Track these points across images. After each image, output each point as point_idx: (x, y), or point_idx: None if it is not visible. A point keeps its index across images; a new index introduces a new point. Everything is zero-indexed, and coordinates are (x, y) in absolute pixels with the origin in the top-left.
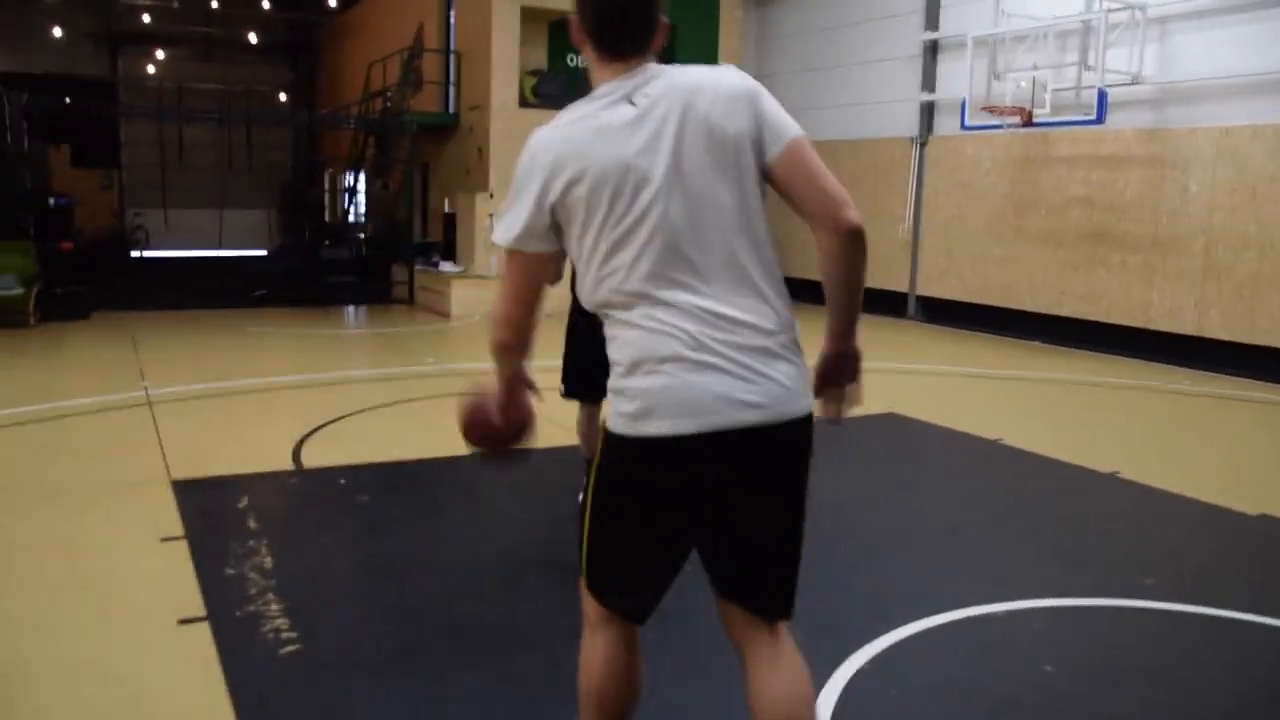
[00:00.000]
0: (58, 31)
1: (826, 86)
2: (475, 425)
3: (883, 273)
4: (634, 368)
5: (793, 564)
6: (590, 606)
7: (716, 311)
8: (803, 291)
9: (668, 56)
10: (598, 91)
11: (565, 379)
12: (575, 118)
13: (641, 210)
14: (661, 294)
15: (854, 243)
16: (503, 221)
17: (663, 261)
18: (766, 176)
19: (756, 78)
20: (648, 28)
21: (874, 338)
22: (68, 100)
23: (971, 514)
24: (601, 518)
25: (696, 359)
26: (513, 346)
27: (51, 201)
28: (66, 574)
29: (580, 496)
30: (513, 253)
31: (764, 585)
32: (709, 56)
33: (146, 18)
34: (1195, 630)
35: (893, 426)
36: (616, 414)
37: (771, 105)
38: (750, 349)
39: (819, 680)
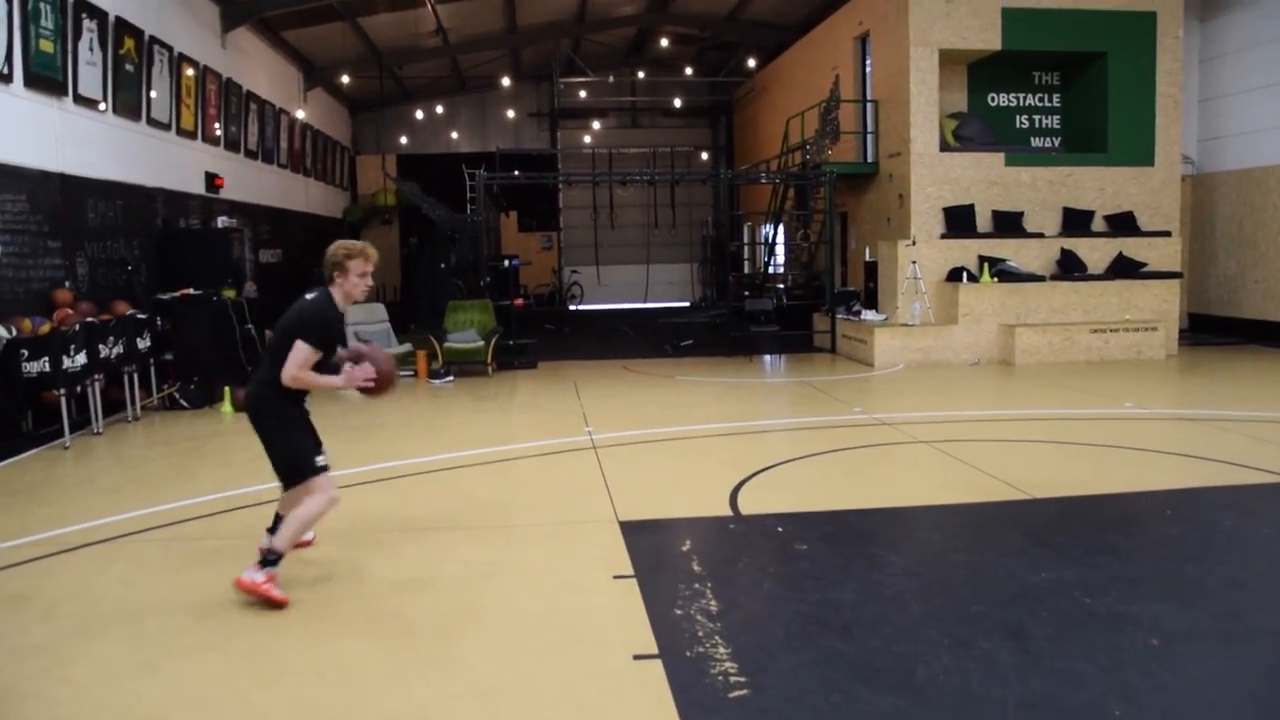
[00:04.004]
0: (509, 113)
1: None
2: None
3: None
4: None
5: None
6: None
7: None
8: (1255, 332)
9: (1098, 88)
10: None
11: (314, 456)
12: None
13: None
14: None
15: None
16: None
17: None
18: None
19: (1200, 101)
20: None
21: None
22: (517, 173)
23: None
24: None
25: None
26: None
27: (505, 263)
28: (534, 604)
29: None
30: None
31: None
32: (1145, 81)
33: (582, 94)
34: None
35: None
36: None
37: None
38: None
39: None
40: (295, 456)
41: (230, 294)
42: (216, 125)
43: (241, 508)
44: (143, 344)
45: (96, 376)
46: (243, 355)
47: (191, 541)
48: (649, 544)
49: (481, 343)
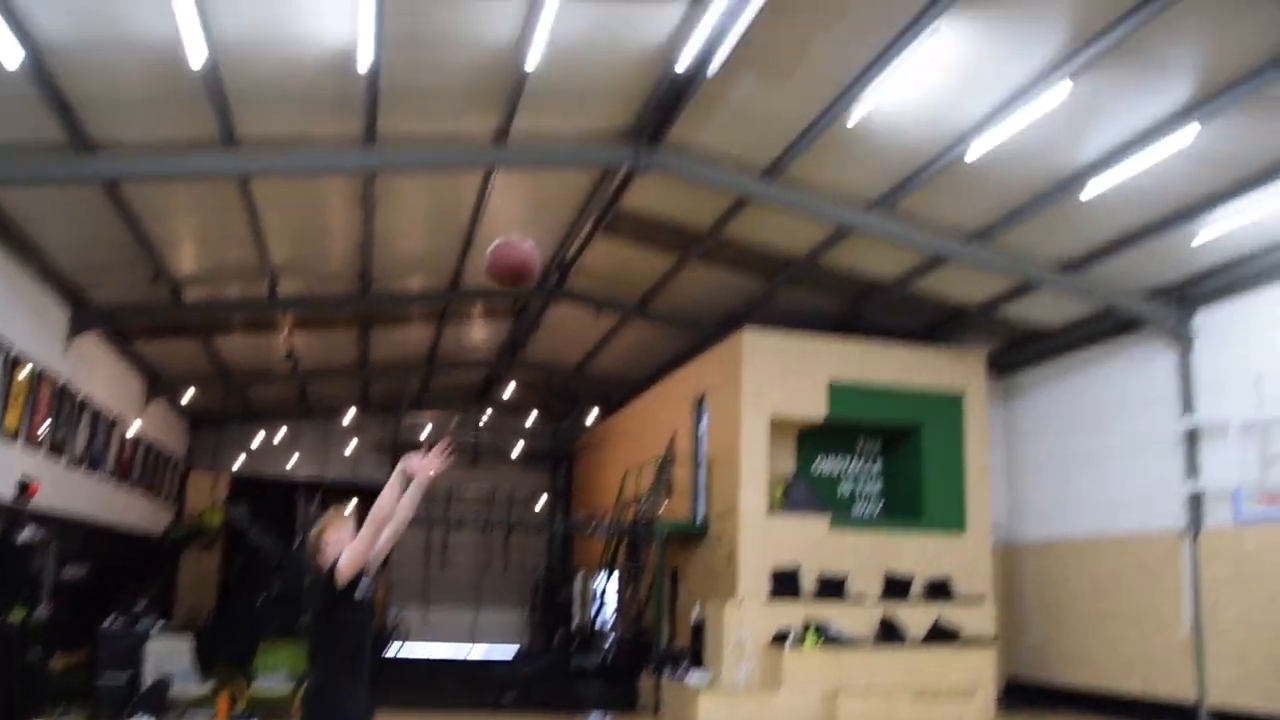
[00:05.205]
0: (352, 443)
1: (1080, 480)
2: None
3: (1160, 681)
4: None
5: None
6: None
7: None
8: (1064, 698)
9: (914, 458)
10: None
11: None
12: None
13: None
14: None
15: None
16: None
17: None
18: None
19: (1006, 473)
20: None
21: None
22: (351, 506)
23: None
24: None
25: None
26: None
27: None
28: None
29: None
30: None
31: None
32: (954, 456)
33: (427, 430)
34: None
35: None
36: None
37: None
38: None
39: None
40: None
41: (20, 615)
42: (41, 430)
43: None
44: None
45: None
46: (18, 691)
47: None
48: None
49: (290, 685)
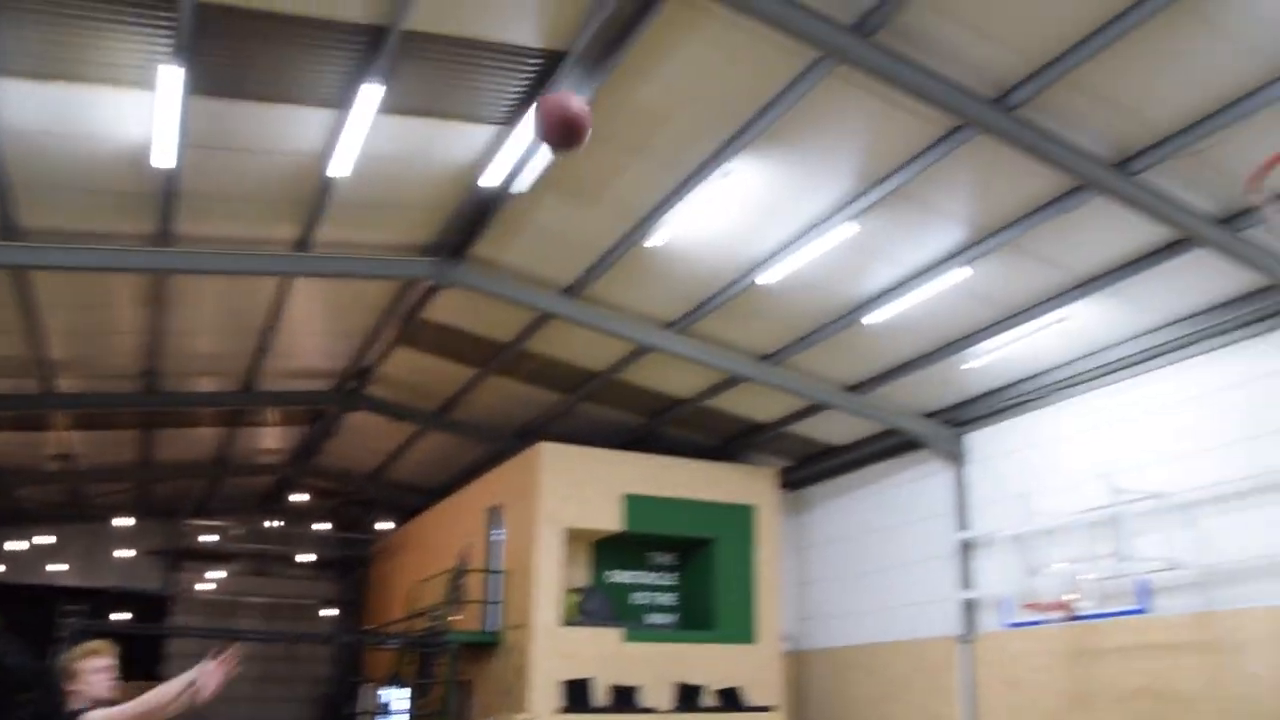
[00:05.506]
0: (128, 549)
1: (865, 590)
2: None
3: None
4: None
5: None
6: None
7: None
8: None
9: (708, 570)
10: None
11: None
12: None
13: None
14: None
15: None
16: None
17: None
18: None
19: (797, 585)
20: None
21: None
22: (112, 617)
23: None
24: None
25: None
26: None
27: None
28: None
29: None
30: None
31: None
32: (746, 568)
33: (211, 536)
34: None
35: None
36: None
37: None
38: None
39: None
40: None
41: None
42: None
43: None
44: None
45: None
46: None
47: None
48: None
49: None
